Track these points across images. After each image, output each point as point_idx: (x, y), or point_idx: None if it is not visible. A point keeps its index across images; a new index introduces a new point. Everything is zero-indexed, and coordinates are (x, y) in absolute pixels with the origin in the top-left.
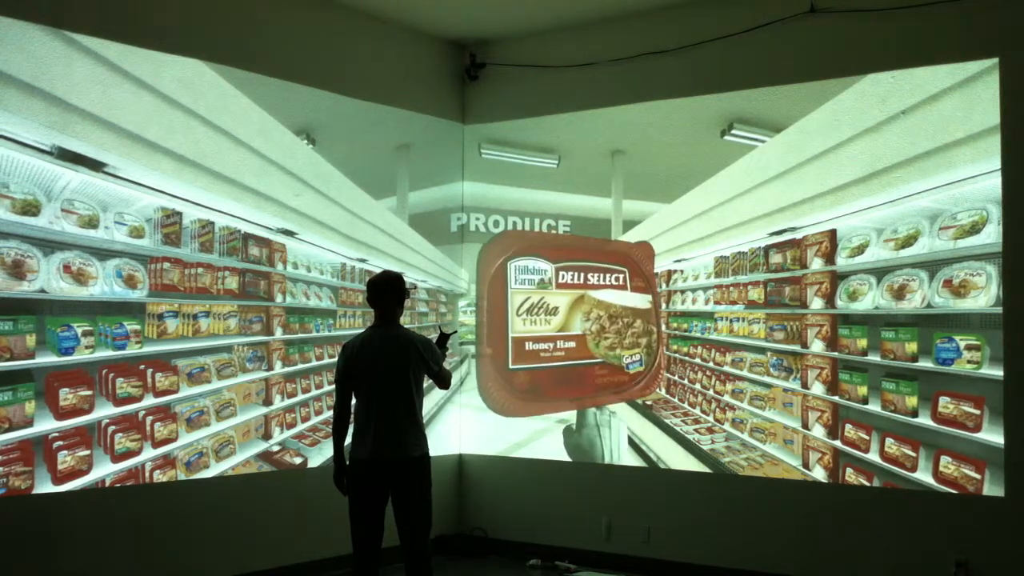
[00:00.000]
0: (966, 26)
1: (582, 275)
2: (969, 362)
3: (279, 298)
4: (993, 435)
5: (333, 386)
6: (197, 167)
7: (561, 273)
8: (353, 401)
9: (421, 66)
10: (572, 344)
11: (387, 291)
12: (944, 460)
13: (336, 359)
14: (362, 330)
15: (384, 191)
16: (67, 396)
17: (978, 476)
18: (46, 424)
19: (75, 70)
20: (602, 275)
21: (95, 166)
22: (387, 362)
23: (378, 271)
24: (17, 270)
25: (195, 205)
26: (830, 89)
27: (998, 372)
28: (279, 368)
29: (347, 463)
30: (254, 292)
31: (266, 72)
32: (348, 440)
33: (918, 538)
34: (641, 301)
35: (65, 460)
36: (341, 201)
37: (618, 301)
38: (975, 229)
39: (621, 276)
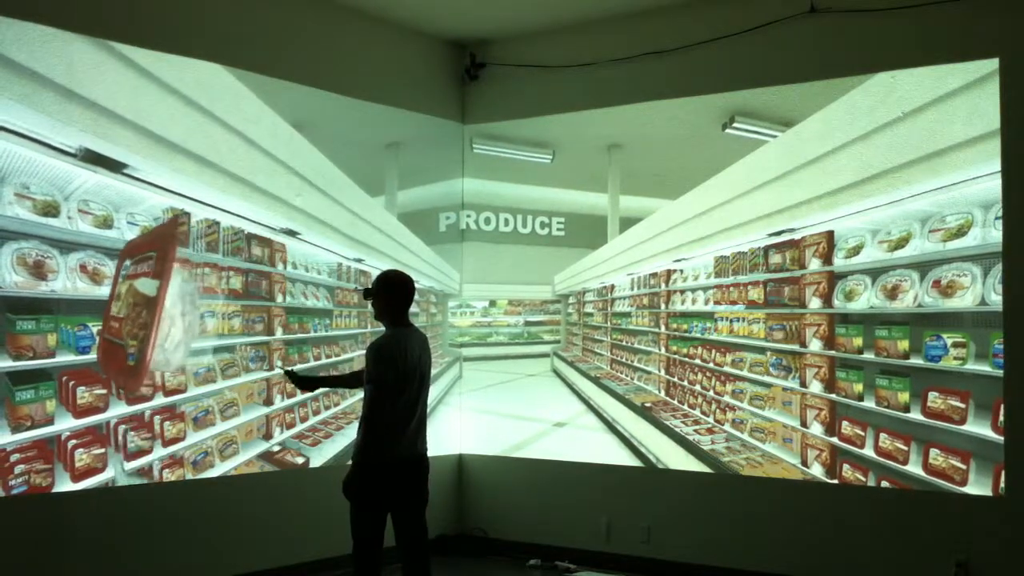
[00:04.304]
0: (966, 26)
1: (134, 265)
2: (955, 358)
3: (279, 298)
4: (977, 427)
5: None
6: (214, 168)
7: (134, 266)
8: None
9: (421, 66)
10: (115, 324)
11: (406, 291)
12: (933, 453)
13: (376, 363)
14: (360, 330)
15: (382, 190)
16: (83, 395)
17: (963, 466)
18: (65, 422)
19: (107, 74)
20: (142, 263)
21: (115, 167)
22: (425, 363)
23: (374, 271)
24: (38, 270)
25: (203, 205)
26: (834, 86)
27: (982, 367)
28: (280, 368)
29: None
30: (256, 292)
31: (267, 72)
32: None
33: (918, 538)
34: (149, 287)
35: (81, 458)
36: (343, 201)
37: (140, 288)
38: (961, 232)
39: (151, 262)
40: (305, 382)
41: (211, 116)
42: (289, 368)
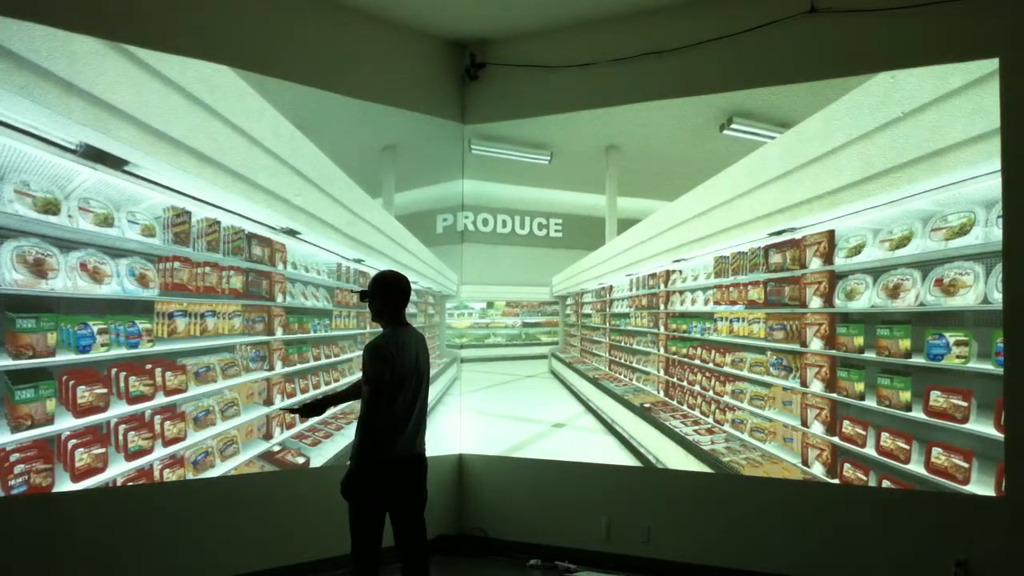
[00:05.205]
0: (966, 26)
1: None
2: (958, 357)
3: (279, 298)
4: (979, 426)
5: (330, 386)
6: (216, 165)
7: None
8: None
9: (421, 66)
10: None
11: (401, 290)
12: (935, 451)
13: (373, 363)
14: (360, 330)
15: (382, 191)
16: (84, 394)
17: (966, 465)
18: (65, 422)
19: (108, 69)
20: None
21: (116, 164)
22: (423, 362)
23: (373, 271)
24: (38, 268)
25: (204, 204)
26: (833, 86)
27: (985, 366)
28: (279, 368)
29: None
30: (257, 292)
31: (266, 72)
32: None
33: (918, 538)
34: None
35: (82, 458)
36: (343, 200)
37: None
38: (963, 231)
39: None
40: (309, 410)
41: (213, 113)
42: (287, 405)
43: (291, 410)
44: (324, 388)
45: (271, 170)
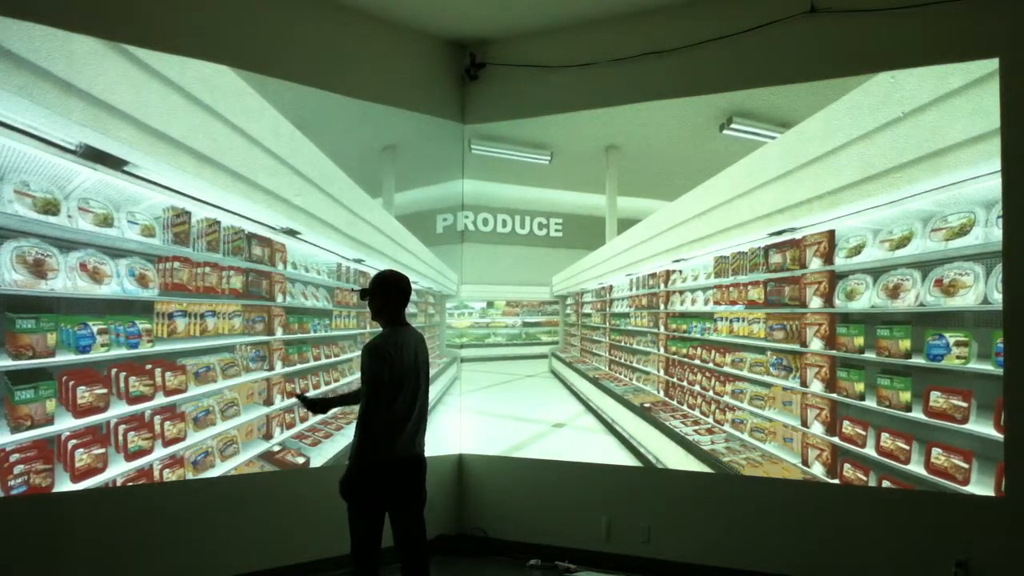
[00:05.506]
0: (966, 26)
1: None
2: (958, 357)
3: (279, 298)
4: (979, 427)
5: (330, 386)
6: (215, 165)
7: None
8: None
9: (421, 66)
10: None
11: (401, 290)
12: (935, 452)
13: (372, 363)
14: (360, 330)
15: (382, 191)
16: (84, 395)
17: (966, 465)
18: (65, 422)
19: (108, 69)
20: None
21: (116, 164)
22: (423, 362)
23: (373, 271)
24: (38, 269)
25: (204, 204)
26: (833, 87)
27: (985, 366)
28: (279, 368)
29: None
30: (257, 292)
31: (266, 72)
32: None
33: (918, 538)
34: None
35: (82, 458)
36: (343, 200)
37: None
38: (963, 231)
39: None
40: (317, 405)
41: (213, 113)
42: (301, 394)
43: (302, 399)
44: (324, 388)
45: (271, 170)
